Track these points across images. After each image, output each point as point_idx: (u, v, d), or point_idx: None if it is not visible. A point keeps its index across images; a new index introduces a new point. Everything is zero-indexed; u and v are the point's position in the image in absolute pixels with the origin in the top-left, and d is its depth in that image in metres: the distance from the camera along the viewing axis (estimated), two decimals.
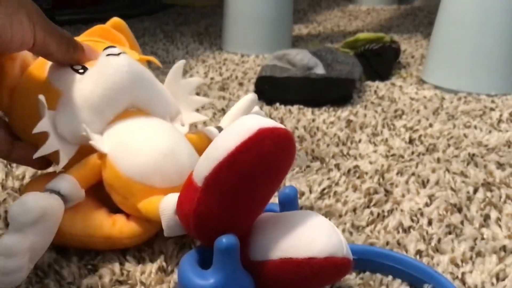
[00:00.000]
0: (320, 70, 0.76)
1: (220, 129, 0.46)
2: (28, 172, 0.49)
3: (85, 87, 0.37)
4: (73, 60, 0.38)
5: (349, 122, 0.66)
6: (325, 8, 1.60)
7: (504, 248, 0.40)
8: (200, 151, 0.37)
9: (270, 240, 0.29)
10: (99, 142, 0.37)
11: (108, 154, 0.36)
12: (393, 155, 0.57)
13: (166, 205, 0.34)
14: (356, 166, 0.53)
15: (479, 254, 0.39)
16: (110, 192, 0.37)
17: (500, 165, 0.54)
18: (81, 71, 0.38)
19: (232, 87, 0.79)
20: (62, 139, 0.36)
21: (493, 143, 0.60)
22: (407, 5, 1.69)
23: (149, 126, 0.39)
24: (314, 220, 0.30)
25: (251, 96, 0.47)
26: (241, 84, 0.81)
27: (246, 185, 0.28)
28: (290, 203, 0.33)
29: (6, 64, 0.38)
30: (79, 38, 0.41)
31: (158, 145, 0.37)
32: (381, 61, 0.85)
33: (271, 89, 0.72)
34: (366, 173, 0.52)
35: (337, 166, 0.54)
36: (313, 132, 0.62)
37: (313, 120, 0.67)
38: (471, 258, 0.39)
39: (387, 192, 0.48)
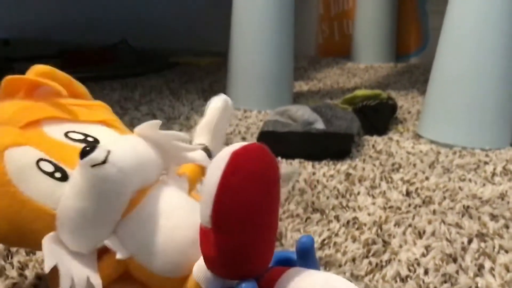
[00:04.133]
0: (320, 125, 0.79)
1: (205, 149, 0.44)
2: None
3: (77, 205, 0.33)
4: None
5: (348, 175, 0.68)
6: (324, 65, 1.66)
7: None
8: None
9: None
10: (119, 248, 0.34)
11: (134, 258, 0.34)
12: (390, 207, 0.59)
13: (198, 269, 0.33)
14: (355, 218, 0.55)
15: None
16: (145, 283, 0.36)
17: (493, 217, 0.56)
18: (58, 175, 0.34)
19: (235, 141, 0.82)
20: (76, 256, 0.34)
21: (487, 196, 0.62)
22: (403, 63, 1.75)
23: (162, 214, 0.35)
24: None
25: (219, 103, 0.45)
26: (244, 138, 0.84)
27: (249, 207, 0.29)
28: (307, 252, 0.33)
29: None
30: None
31: (182, 238, 0.35)
32: (378, 117, 0.88)
33: (273, 144, 0.75)
34: (365, 225, 0.54)
35: (337, 217, 0.56)
36: (313, 185, 0.65)
37: (314, 174, 0.69)
38: None
39: (385, 243, 0.50)
